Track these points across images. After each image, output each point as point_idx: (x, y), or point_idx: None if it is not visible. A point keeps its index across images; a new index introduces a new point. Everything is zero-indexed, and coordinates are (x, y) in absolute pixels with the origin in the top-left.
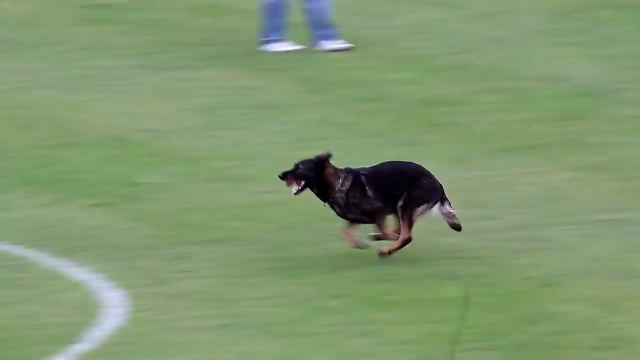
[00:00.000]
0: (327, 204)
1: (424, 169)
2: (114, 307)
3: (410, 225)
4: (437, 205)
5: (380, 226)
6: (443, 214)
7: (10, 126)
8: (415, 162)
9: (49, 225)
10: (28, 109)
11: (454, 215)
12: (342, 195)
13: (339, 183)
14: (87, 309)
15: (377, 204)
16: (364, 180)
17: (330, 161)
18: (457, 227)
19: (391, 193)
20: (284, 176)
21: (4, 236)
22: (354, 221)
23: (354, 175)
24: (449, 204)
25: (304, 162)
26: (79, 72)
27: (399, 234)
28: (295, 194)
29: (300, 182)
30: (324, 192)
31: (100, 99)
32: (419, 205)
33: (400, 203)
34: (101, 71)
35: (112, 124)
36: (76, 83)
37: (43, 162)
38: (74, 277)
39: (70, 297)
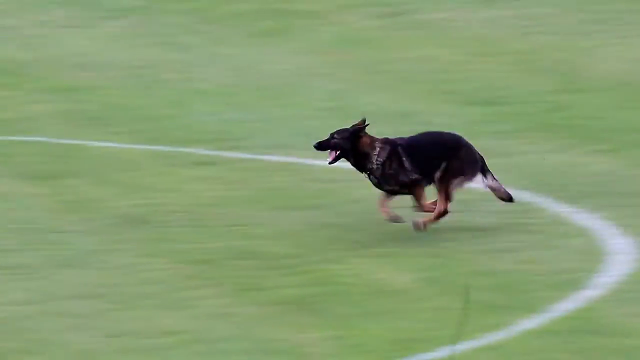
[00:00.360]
0: (365, 174)
1: (464, 139)
2: (620, 254)
3: (447, 197)
4: (479, 178)
5: (418, 198)
6: (487, 186)
7: (516, 72)
8: (454, 132)
9: (554, 171)
10: (533, 54)
11: (499, 187)
12: (379, 165)
13: (375, 153)
14: (592, 256)
15: (415, 176)
16: (400, 150)
17: (366, 130)
18: (506, 199)
19: (429, 163)
20: (319, 145)
21: (511, 181)
22: (390, 192)
23: (391, 145)
24: (492, 176)
25: (339, 132)
26: (590, 17)
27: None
28: (330, 163)
29: (335, 152)
30: (360, 162)
31: (611, 43)
32: (456, 177)
33: (437, 174)
34: (614, 15)
35: (623, 69)
36: (586, 28)
37: (549, 107)
38: (579, 224)
39: (575, 243)
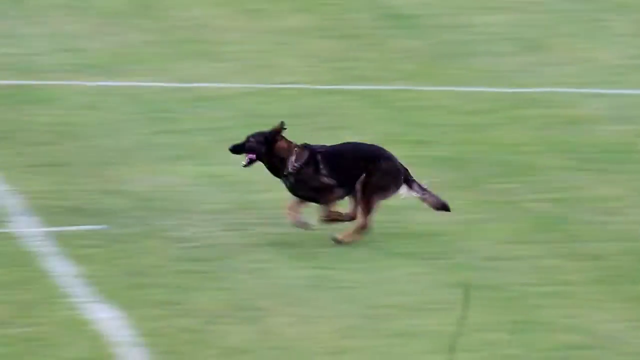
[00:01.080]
0: (282, 179)
1: (385, 151)
2: None
3: (367, 211)
4: (403, 189)
5: (327, 203)
6: (416, 196)
7: None
8: (375, 144)
9: None
10: None
11: (431, 195)
12: (295, 171)
13: (292, 158)
14: None
15: (329, 182)
16: (319, 158)
17: (283, 135)
18: (441, 208)
19: (347, 174)
20: (234, 148)
21: None
22: (303, 198)
23: (310, 151)
24: (419, 185)
25: (255, 135)
26: None
27: (352, 215)
28: (245, 166)
29: (250, 155)
30: (275, 166)
31: None
32: (377, 192)
33: (357, 186)
34: None
35: None
36: None
37: None
38: None
39: None
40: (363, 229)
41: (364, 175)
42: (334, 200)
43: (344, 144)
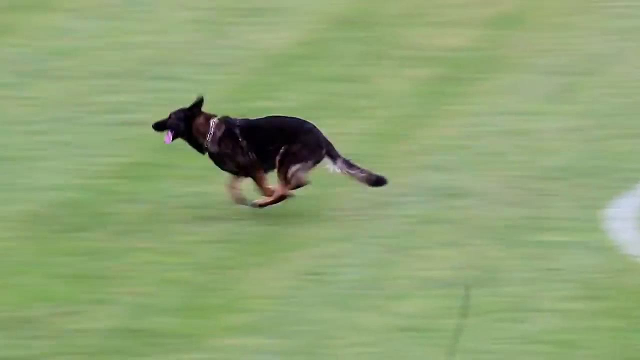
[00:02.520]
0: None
1: (307, 124)
2: None
3: (285, 181)
4: (326, 163)
5: (258, 181)
6: (342, 171)
7: None
8: (297, 117)
9: None
10: None
11: (356, 173)
12: (214, 145)
13: (210, 132)
14: None
15: (251, 157)
16: (237, 131)
17: (201, 110)
18: (374, 183)
19: (267, 147)
20: (156, 126)
21: None
22: (232, 173)
23: (228, 125)
24: (344, 160)
25: (176, 112)
26: None
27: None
28: (169, 143)
29: (172, 132)
30: (197, 142)
31: None
32: (294, 162)
33: (278, 158)
34: None
35: None
36: None
37: None
38: None
39: None
40: (280, 198)
41: (284, 148)
42: (261, 174)
43: (265, 117)
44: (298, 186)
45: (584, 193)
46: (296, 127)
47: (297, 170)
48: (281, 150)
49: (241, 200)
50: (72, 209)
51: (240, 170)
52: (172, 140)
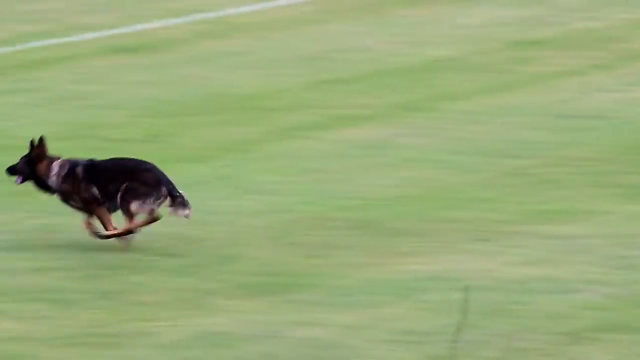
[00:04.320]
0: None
1: (147, 163)
2: None
3: (129, 216)
4: (166, 201)
5: (102, 220)
6: (175, 211)
7: None
8: (137, 158)
9: None
10: None
11: (185, 209)
12: (58, 184)
13: (54, 173)
14: None
15: (93, 193)
16: (79, 170)
17: (43, 154)
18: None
19: (107, 186)
20: (9, 170)
21: None
22: (77, 210)
23: (71, 164)
24: (182, 200)
25: (23, 156)
26: None
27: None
28: (18, 184)
29: (20, 177)
30: (43, 184)
31: None
32: (133, 199)
33: (119, 195)
34: None
35: None
36: None
37: None
38: None
39: None
40: (128, 232)
41: (124, 185)
42: (103, 211)
43: (107, 159)
44: (150, 221)
45: None
46: (135, 166)
47: (138, 207)
48: (122, 188)
49: (96, 234)
50: None
51: (84, 208)
52: (22, 182)
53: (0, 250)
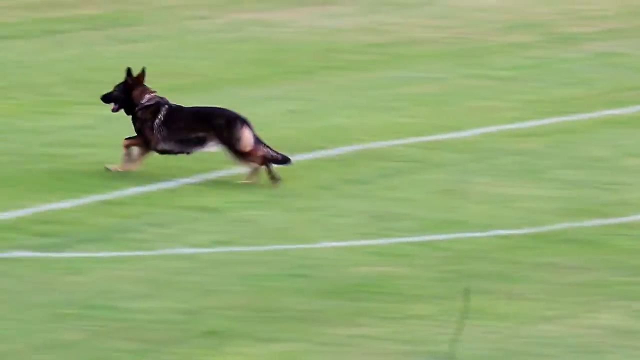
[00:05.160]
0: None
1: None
2: None
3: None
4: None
5: (136, 145)
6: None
7: None
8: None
9: None
10: None
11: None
12: (140, 112)
13: (142, 102)
14: None
15: (154, 134)
16: (163, 110)
17: (141, 82)
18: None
19: (184, 133)
20: (104, 98)
21: None
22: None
23: (158, 102)
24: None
25: (119, 84)
26: None
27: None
28: (113, 111)
29: (115, 104)
30: (132, 111)
31: None
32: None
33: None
34: None
35: None
36: None
37: None
38: None
39: None
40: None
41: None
42: (141, 145)
43: (200, 106)
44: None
45: None
46: (218, 115)
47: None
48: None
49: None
50: None
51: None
52: (117, 110)
53: None
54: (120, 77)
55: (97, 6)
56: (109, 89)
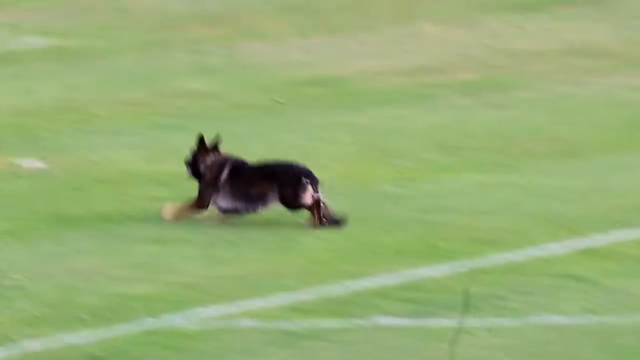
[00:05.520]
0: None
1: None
2: None
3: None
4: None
5: (187, 204)
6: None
7: None
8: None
9: None
10: None
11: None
12: (204, 170)
13: (206, 161)
14: None
15: (207, 191)
16: (227, 167)
17: (208, 147)
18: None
19: (248, 190)
20: (186, 163)
21: None
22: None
23: (224, 159)
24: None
25: (191, 151)
26: None
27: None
28: (188, 176)
29: (189, 169)
30: (198, 172)
31: None
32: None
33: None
34: None
35: None
36: None
37: None
38: None
39: None
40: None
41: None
42: (198, 207)
43: (268, 161)
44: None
45: None
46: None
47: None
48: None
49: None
50: None
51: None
52: (190, 175)
53: None
54: (487, 143)
55: (472, 72)
56: (478, 154)
